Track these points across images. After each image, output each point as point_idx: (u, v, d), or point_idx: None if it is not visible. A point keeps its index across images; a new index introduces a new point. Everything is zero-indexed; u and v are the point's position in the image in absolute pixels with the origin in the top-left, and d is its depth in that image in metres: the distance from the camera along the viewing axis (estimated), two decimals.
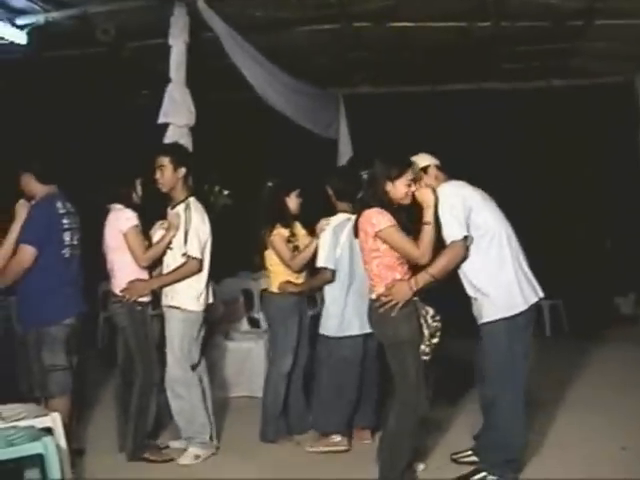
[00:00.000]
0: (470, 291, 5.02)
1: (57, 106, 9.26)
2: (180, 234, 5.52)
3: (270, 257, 6.01)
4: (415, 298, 4.77)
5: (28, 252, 5.16)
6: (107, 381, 6.70)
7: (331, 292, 5.81)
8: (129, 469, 5.40)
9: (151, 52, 7.78)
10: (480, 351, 5.11)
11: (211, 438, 5.74)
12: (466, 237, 4.81)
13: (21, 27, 6.71)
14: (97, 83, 9.31)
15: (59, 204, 5.31)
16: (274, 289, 6.02)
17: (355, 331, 5.72)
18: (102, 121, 9.94)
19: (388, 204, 4.77)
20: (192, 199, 5.64)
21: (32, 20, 6.71)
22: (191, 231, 5.50)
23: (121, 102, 10.24)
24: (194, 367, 5.65)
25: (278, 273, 6.00)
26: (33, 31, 6.77)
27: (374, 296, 4.82)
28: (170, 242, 5.55)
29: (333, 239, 5.72)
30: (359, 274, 5.59)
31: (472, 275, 4.96)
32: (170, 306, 5.59)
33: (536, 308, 5.03)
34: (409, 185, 4.82)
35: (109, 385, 6.31)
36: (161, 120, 6.49)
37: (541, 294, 5.03)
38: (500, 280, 4.92)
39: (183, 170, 5.58)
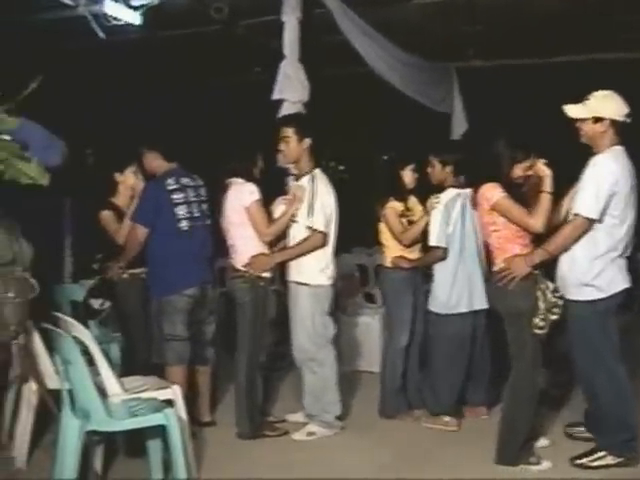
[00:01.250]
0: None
1: (171, 84, 9.49)
2: (304, 206, 5.48)
3: (384, 232, 5.99)
4: (536, 272, 4.76)
5: (139, 231, 5.47)
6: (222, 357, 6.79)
7: (440, 269, 5.75)
8: (244, 444, 5.47)
9: (264, 29, 7.86)
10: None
11: (339, 418, 5.71)
12: (593, 220, 4.70)
13: (135, 8, 6.89)
14: (210, 61, 9.47)
15: (170, 180, 5.49)
16: (388, 264, 6.01)
17: (463, 309, 5.67)
18: (216, 99, 10.11)
19: (507, 183, 4.78)
20: (318, 171, 5.57)
21: (146, 1, 6.86)
22: (316, 204, 5.44)
23: (235, 79, 10.39)
24: (331, 341, 5.63)
25: (391, 248, 5.96)
26: (147, 11, 6.92)
27: (495, 269, 4.86)
28: (294, 215, 5.51)
29: (445, 215, 5.65)
30: (469, 250, 5.59)
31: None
32: (297, 282, 5.55)
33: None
34: (527, 169, 4.80)
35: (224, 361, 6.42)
36: (275, 96, 6.55)
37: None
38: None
39: (308, 141, 5.49)
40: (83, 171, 6.10)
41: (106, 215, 5.89)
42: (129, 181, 5.95)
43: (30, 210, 4.41)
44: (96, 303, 5.71)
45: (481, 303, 5.62)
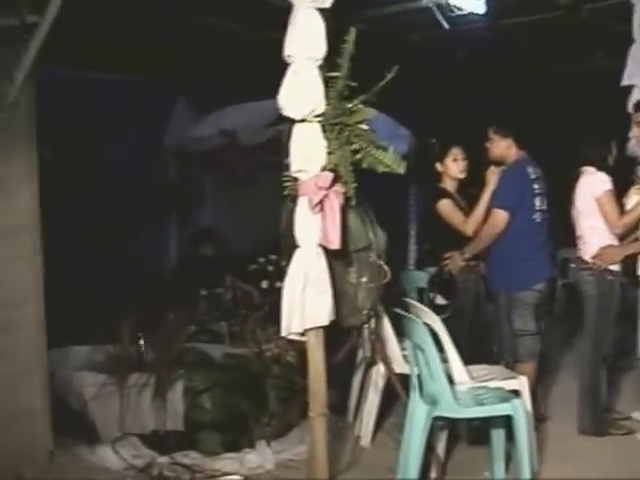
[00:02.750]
0: None
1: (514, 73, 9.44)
2: None
3: None
4: None
5: (500, 217, 5.37)
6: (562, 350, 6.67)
7: None
8: (584, 440, 5.32)
9: (610, 13, 7.54)
10: None
11: None
12: None
13: None
14: (550, 48, 9.28)
15: (530, 169, 5.42)
16: None
17: None
18: (560, 86, 9.90)
19: None
20: None
21: None
22: None
23: (576, 66, 10.09)
24: None
25: None
26: (489, 0, 6.90)
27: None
28: None
29: None
30: None
31: None
32: None
33: None
34: None
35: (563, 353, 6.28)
36: (625, 82, 6.26)
37: None
38: None
39: None
40: (428, 160, 6.18)
41: (445, 204, 5.91)
42: (452, 170, 5.91)
43: (381, 198, 4.59)
44: (439, 299, 5.78)
45: None
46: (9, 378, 4.63)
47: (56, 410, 4.93)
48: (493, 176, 5.53)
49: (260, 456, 4.88)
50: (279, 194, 4.20)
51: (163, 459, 4.83)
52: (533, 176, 5.42)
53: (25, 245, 4.70)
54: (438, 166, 5.94)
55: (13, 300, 4.66)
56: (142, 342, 5.41)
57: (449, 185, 5.90)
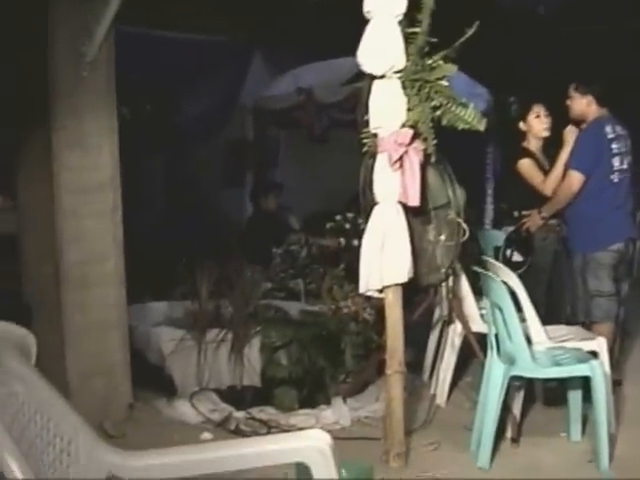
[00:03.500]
0: None
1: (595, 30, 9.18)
2: None
3: None
4: None
5: (575, 178, 5.28)
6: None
7: None
8: None
9: None
10: None
11: None
12: None
13: None
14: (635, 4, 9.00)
15: (608, 128, 5.31)
16: None
17: None
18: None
19: None
20: None
21: None
22: None
23: None
24: None
25: None
26: None
27: None
28: None
29: None
30: None
31: None
32: None
33: None
34: None
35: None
36: None
37: None
38: None
39: None
40: (506, 119, 6.09)
41: (526, 163, 5.82)
42: (535, 128, 5.80)
43: (459, 156, 4.55)
44: (516, 256, 5.71)
45: None
46: (90, 333, 4.76)
47: (135, 365, 5.04)
48: (571, 135, 5.42)
49: (336, 413, 4.92)
50: (354, 152, 4.20)
51: (240, 414, 4.91)
52: (611, 135, 5.29)
53: (106, 201, 4.80)
54: (521, 125, 5.84)
55: (94, 256, 4.77)
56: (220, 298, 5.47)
57: (533, 145, 5.80)
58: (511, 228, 5.79)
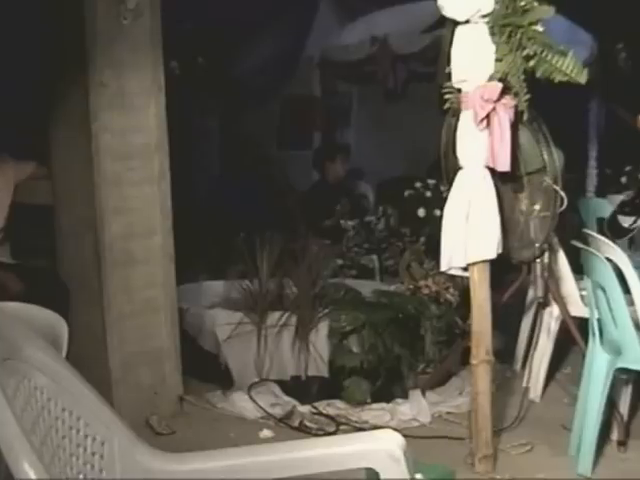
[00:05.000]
0: None
1: None
2: None
3: None
4: None
5: None
6: None
7: None
8: None
9: None
10: None
11: None
12: None
13: None
14: None
15: None
16: None
17: None
18: None
19: None
20: None
21: None
22: None
23: None
24: None
25: None
26: None
27: None
28: None
29: None
30: None
31: None
32: None
33: None
34: None
35: None
36: None
37: None
38: None
39: None
40: (613, 69, 5.95)
41: None
42: None
43: (557, 113, 4.46)
44: (626, 221, 5.60)
45: None
46: (135, 317, 4.78)
47: (186, 352, 5.06)
48: None
49: (414, 408, 4.88)
50: (435, 110, 4.14)
51: (304, 408, 4.91)
52: None
53: (152, 167, 4.79)
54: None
55: (139, 230, 4.78)
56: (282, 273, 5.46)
57: None
58: (619, 197, 5.71)
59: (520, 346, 5.58)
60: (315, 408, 4.89)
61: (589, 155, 8.44)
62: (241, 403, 4.97)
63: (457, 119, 4.00)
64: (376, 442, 2.35)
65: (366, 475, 2.66)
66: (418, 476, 2.56)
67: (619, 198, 5.81)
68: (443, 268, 4.07)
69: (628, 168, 5.86)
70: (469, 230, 3.93)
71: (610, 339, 4.22)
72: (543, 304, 5.15)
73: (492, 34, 3.88)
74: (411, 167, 7.80)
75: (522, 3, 3.92)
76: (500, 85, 3.84)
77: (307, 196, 8.02)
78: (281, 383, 5.13)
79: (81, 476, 2.09)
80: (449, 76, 3.97)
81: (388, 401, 4.98)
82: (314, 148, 8.71)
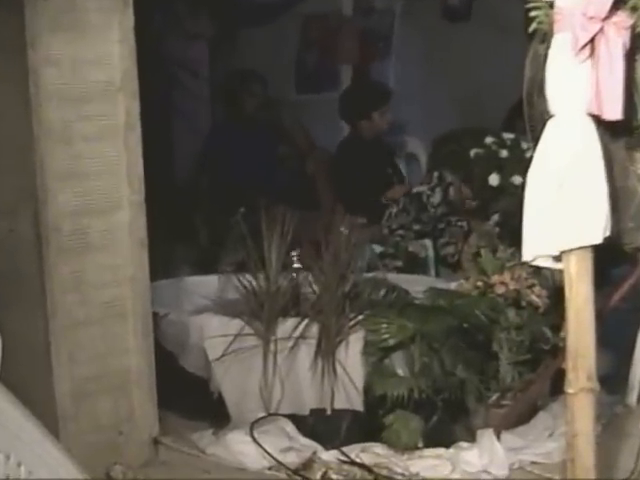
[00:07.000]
0: None
1: None
2: None
3: None
4: None
5: None
6: None
7: None
8: None
9: None
10: None
11: None
12: None
13: None
14: None
15: None
16: None
17: None
18: None
19: None
20: None
21: None
22: None
23: None
24: None
25: None
26: None
27: None
28: None
29: None
30: None
31: None
32: None
33: None
34: None
35: None
36: None
37: None
38: None
39: None
40: None
41: None
42: None
43: None
44: None
45: None
46: (89, 325, 4.73)
47: (163, 375, 5.03)
48: None
49: (485, 455, 4.85)
50: (515, 34, 4.10)
51: (329, 455, 4.91)
52: None
53: (115, 115, 4.74)
54: None
55: (96, 203, 4.71)
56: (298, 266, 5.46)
57: None
58: None
59: (636, 370, 5.54)
60: (345, 455, 4.88)
61: None
62: (240, 447, 4.94)
63: (548, 47, 3.94)
64: None
65: None
66: None
67: None
68: (526, 258, 4.00)
69: None
70: (563, 205, 3.87)
71: None
72: None
73: None
74: (479, 116, 7.77)
75: None
76: None
77: (334, 157, 7.99)
78: (297, 419, 5.15)
79: None
80: None
81: (448, 446, 4.98)
82: (342, 90, 8.69)
